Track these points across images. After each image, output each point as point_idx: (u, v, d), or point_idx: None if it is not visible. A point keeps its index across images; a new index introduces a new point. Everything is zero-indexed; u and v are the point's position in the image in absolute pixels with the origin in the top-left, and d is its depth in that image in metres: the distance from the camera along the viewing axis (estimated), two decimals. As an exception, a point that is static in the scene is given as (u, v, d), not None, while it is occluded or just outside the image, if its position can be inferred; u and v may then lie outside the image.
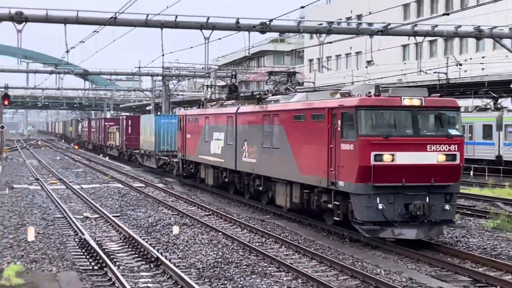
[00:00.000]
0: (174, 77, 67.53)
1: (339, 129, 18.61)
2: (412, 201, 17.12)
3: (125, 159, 56.36)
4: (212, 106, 35.98)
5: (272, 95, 28.50)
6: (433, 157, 17.40)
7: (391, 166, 16.91)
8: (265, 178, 26.66)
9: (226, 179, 31.92)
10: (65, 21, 29.77)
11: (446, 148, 17.36)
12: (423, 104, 17.82)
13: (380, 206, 16.75)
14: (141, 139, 49.18)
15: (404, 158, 17.14)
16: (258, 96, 30.61)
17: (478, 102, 56.54)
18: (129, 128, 52.92)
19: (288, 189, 23.77)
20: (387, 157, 16.93)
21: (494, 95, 49.95)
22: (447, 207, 17.63)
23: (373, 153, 16.84)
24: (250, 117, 28.22)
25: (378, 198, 16.84)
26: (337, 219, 19.53)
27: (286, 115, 23.50)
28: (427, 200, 17.02)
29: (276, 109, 24.91)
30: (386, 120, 17.78)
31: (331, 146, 19.17)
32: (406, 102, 17.52)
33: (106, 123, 68.81)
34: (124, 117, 57.52)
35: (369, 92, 18.29)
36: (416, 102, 17.60)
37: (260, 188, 27.43)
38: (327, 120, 19.50)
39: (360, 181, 17.17)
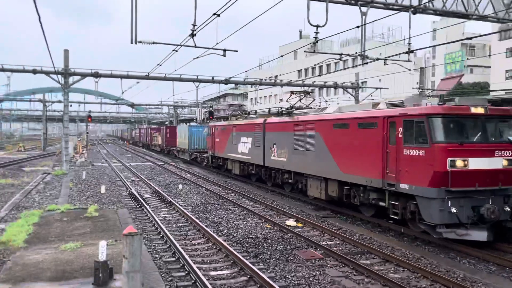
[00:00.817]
0: (179, 107, 67.86)
1: (400, 135, 12.04)
2: (480, 204, 10.98)
3: (165, 153, 50.33)
4: (236, 119, 27.65)
5: (296, 109, 20.18)
6: (500, 162, 11.50)
7: (465, 171, 10.90)
8: (295, 173, 18.42)
9: (253, 171, 23.26)
10: (121, 77, 29.36)
11: (509, 154, 11.55)
12: (488, 112, 11.77)
13: (453, 210, 10.70)
14: (177, 140, 43.30)
15: (476, 163, 11.16)
16: (281, 110, 21.53)
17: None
18: (168, 133, 47.75)
19: (323, 184, 16.00)
20: (460, 163, 10.95)
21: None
22: (507, 208, 11.49)
23: (449, 159, 10.81)
24: (279, 126, 19.65)
25: (450, 202, 10.81)
26: (395, 217, 12.35)
27: (323, 124, 15.89)
28: (490, 202, 11.11)
29: (311, 119, 16.96)
30: (458, 127, 11.61)
31: (388, 151, 12.32)
32: (473, 110, 11.60)
33: (151, 131, 62.48)
34: (164, 127, 51.35)
35: (445, 102, 11.97)
36: (481, 110, 11.67)
37: (290, 181, 19.09)
38: (382, 127, 12.55)
39: (434, 186, 10.92)
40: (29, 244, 10.35)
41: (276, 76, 33.69)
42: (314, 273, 9.04)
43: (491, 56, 51.66)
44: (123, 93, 33.34)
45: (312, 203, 17.55)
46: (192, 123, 65.12)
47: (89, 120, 48.96)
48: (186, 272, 9.00)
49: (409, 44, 16.95)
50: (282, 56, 22.11)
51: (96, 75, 28.21)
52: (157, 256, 10.16)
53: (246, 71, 30.55)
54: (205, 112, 56.76)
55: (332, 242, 11.70)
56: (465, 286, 8.10)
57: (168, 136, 47.92)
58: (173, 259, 9.96)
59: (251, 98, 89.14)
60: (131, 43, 15.39)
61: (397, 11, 15.86)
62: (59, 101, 57.17)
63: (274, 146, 20.00)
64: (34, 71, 27.68)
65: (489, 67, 58.56)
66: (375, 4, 15.43)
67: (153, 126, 78.75)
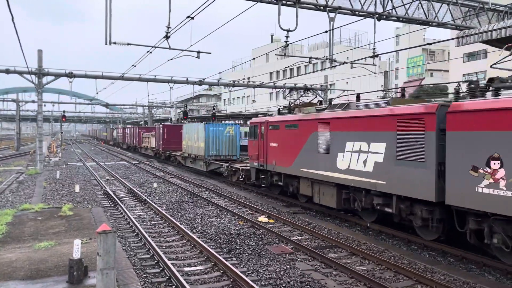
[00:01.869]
0: (154, 107, 66.81)
1: None
2: None
3: (162, 159, 38.89)
4: (318, 109, 15.23)
5: None
6: None
7: None
8: None
9: (385, 208, 11.23)
10: (95, 77, 28.74)
11: None
12: None
13: None
14: (184, 144, 31.43)
15: None
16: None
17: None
18: (166, 134, 36.13)
19: None
20: None
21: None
22: None
23: None
24: None
25: None
26: None
27: None
28: None
29: None
30: None
31: None
32: None
33: (140, 130, 49.08)
34: (161, 125, 38.37)
35: None
36: None
37: None
38: None
39: None
40: (2, 243, 10.00)
41: (248, 78, 33.73)
42: (284, 267, 9.09)
43: (450, 60, 53.34)
44: (97, 93, 32.65)
45: (284, 200, 17.53)
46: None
47: (63, 120, 47.68)
48: (161, 268, 8.90)
49: (374, 48, 17.29)
50: (254, 58, 22.18)
51: (71, 75, 27.57)
52: (132, 253, 10.00)
53: (220, 72, 30.40)
54: (180, 112, 56.21)
55: (302, 237, 11.78)
56: (425, 276, 8.31)
57: (166, 137, 36.71)
58: (148, 256, 9.82)
59: (225, 99, 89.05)
60: (106, 44, 15.08)
61: (363, 17, 16.15)
62: (33, 101, 55.56)
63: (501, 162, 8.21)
64: (7, 71, 26.79)
65: (448, 71, 60.45)
66: (342, 10, 15.67)
67: (129, 126, 76.07)
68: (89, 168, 30.56)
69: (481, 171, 8.68)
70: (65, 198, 17.68)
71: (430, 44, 12.00)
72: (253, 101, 42.64)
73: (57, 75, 27.83)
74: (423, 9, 17.33)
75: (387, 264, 9.19)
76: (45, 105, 42.52)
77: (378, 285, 7.95)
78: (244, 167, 21.57)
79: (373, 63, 21.34)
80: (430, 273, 8.76)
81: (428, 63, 60.99)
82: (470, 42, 11.27)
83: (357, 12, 16.08)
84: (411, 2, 16.66)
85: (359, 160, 12.24)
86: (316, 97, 21.57)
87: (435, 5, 17.48)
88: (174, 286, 7.95)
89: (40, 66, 27.26)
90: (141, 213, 14.93)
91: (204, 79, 30.17)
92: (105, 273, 6.41)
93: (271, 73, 68.59)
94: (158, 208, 15.11)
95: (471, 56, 53.28)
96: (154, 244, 10.19)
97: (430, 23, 17.82)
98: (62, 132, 66.30)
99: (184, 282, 7.81)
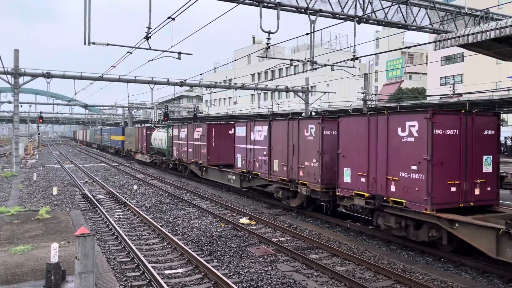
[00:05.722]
0: (134, 108, 65.99)
1: None
2: None
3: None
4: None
5: None
6: None
7: None
8: None
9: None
10: (74, 77, 28.24)
11: None
12: None
13: None
14: None
15: None
16: None
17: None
18: None
19: None
20: None
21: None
22: None
23: None
24: None
25: None
26: None
27: None
28: None
29: None
30: None
31: None
32: None
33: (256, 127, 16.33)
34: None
35: None
36: None
37: None
38: None
39: None
40: (-24, 248, 9.72)
41: (230, 79, 33.69)
42: (266, 269, 9.11)
43: (428, 64, 54.41)
44: (76, 94, 32.14)
45: (265, 201, 17.57)
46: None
47: (40, 121, 46.64)
48: (141, 271, 8.81)
49: (354, 51, 17.48)
50: (236, 60, 22.12)
51: (48, 75, 27.03)
52: (111, 256, 9.86)
53: (201, 74, 30.35)
54: (160, 113, 55.71)
55: (284, 238, 11.82)
56: (404, 276, 8.45)
57: None
58: (128, 259, 9.70)
59: (206, 101, 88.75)
60: (85, 44, 14.86)
61: (343, 20, 16.32)
62: (9, 102, 54.19)
63: None
64: (-18, 71, 26.12)
65: (426, 74, 61.62)
66: (323, 13, 15.80)
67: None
68: (67, 170, 30.01)
69: None
70: (42, 201, 17.32)
71: (409, 47, 12.21)
72: (235, 102, 42.65)
73: (34, 76, 27.29)
74: (401, 13, 17.64)
75: (367, 264, 9.31)
76: (21, 106, 41.54)
77: (358, 285, 8.04)
78: None
79: (354, 65, 21.59)
80: (408, 273, 8.91)
81: (407, 66, 62.04)
82: (447, 46, 11.49)
83: (337, 15, 16.24)
84: (390, 6, 16.92)
85: None
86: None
87: (413, 9, 17.80)
88: (154, 289, 7.87)
89: (16, 66, 26.68)
90: (120, 216, 14.73)
91: (185, 80, 30.02)
92: (84, 277, 6.32)
93: (252, 75, 68.69)
94: (138, 210, 14.93)
95: (448, 59, 54.46)
96: (134, 247, 10.07)
97: (409, 27, 18.14)
98: (39, 134, 64.99)
99: (164, 285, 7.75)
